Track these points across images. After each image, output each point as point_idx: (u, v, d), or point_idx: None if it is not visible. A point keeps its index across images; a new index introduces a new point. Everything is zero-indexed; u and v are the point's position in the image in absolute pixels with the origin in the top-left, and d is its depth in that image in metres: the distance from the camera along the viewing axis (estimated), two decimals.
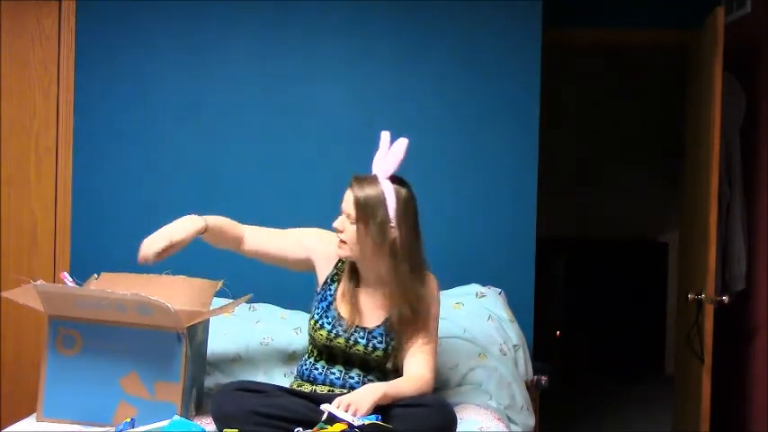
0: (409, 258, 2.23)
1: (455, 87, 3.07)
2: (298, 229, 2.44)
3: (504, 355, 2.66)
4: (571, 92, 5.69)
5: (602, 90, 5.94)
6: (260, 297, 2.74)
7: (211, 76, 3.09)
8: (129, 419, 2.08)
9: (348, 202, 2.22)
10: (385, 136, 2.27)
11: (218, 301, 2.49)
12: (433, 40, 3.07)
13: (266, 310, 2.85)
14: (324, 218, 2.98)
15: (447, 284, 2.90)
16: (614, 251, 5.88)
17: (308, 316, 2.81)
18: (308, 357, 2.34)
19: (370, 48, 3.08)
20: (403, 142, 2.24)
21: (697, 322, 3.11)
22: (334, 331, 2.26)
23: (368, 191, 2.19)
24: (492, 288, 2.91)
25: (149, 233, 3.04)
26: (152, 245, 2.19)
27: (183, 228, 2.24)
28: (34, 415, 2.24)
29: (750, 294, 3.42)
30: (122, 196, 3.09)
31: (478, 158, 3.09)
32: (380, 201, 2.19)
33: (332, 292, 2.33)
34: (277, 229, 2.43)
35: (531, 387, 2.75)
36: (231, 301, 2.48)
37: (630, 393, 5.29)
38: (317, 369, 2.29)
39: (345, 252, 2.24)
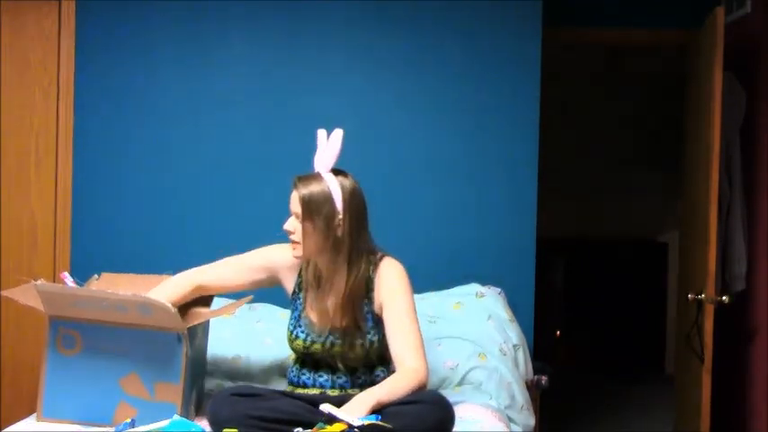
0: (357, 246, 2.23)
1: (455, 87, 3.08)
2: (254, 250, 2.42)
3: (504, 355, 2.66)
4: (571, 92, 5.69)
5: (602, 90, 5.94)
6: (260, 297, 2.74)
7: (212, 77, 3.09)
8: (129, 420, 2.08)
9: (294, 202, 2.21)
10: (321, 134, 2.27)
11: (219, 302, 2.48)
12: (433, 40, 3.07)
13: (266, 310, 2.85)
14: None
15: (447, 284, 2.91)
16: (614, 251, 5.89)
17: None
18: (294, 364, 2.34)
19: (370, 49, 3.08)
20: (338, 133, 2.25)
21: (697, 322, 3.11)
22: (309, 339, 2.26)
23: (312, 188, 2.20)
24: (492, 288, 2.91)
25: (149, 233, 3.08)
26: None
27: None
28: (34, 415, 2.24)
29: (750, 294, 3.42)
30: (122, 196, 3.09)
31: (479, 158, 3.09)
32: (326, 195, 2.20)
33: (300, 300, 2.33)
34: (233, 258, 2.41)
35: (531, 387, 2.75)
36: (232, 301, 2.48)
37: (630, 393, 5.28)
38: (304, 375, 2.29)
39: (299, 252, 2.23)
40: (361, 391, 2.16)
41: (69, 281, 2.39)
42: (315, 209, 2.18)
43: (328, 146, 2.25)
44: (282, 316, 2.82)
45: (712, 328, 3.04)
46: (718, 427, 3.34)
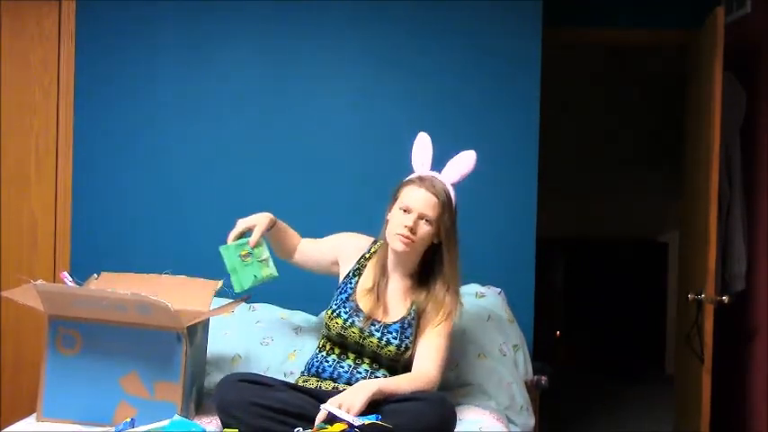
0: (455, 259, 2.33)
1: (455, 87, 3.07)
2: (329, 236, 2.53)
3: (504, 355, 2.66)
4: (571, 92, 5.70)
5: (602, 90, 5.94)
6: (260, 297, 2.74)
7: (212, 76, 3.09)
8: (129, 419, 2.08)
9: (425, 202, 2.27)
10: (424, 138, 2.43)
11: (218, 301, 2.48)
12: (433, 40, 3.07)
13: (266, 310, 2.85)
14: (323, 215, 2.99)
15: None
16: (614, 251, 5.89)
17: (308, 316, 2.83)
18: (320, 351, 2.36)
19: (370, 49, 3.08)
20: (472, 155, 2.39)
21: (697, 322, 3.11)
22: (350, 320, 2.30)
23: (447, 194, 2.31)
24: (492, 288, 2.91)
25: (149, 233, 3.08)
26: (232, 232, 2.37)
27: (256, 216, 2.41)
28: (34, 415, 2.24)
29: (750, 294, 3.42)
30: (122, 196, 3.09)
31: (478, 158, 3.07)
32: (452, 202, 2.32)
33: (352, 285, 2.38)
34: (316, 239, 2.54)
35: (531, 387, 2.75)
36: (231, 301, 2.48)
37: (630, 393, 5.29)
38: (327, 362, 2.31)
39: (408, 249, 2.28)
40: None
41: (69, 281, 2.39)
42: (446, 215, 2.28)
43: (460, 164, 2.38)
44: (282, 316, 2.82)
45: (712, 328, 3.05)
46: (719, 427, 3.34)
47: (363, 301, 2.34)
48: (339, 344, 2.33)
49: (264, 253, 2.36)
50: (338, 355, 2.31)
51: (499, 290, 2.93)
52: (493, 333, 2.69)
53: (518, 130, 3.07)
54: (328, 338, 2.36)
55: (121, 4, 3.08)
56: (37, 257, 3.14)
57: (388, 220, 2.34)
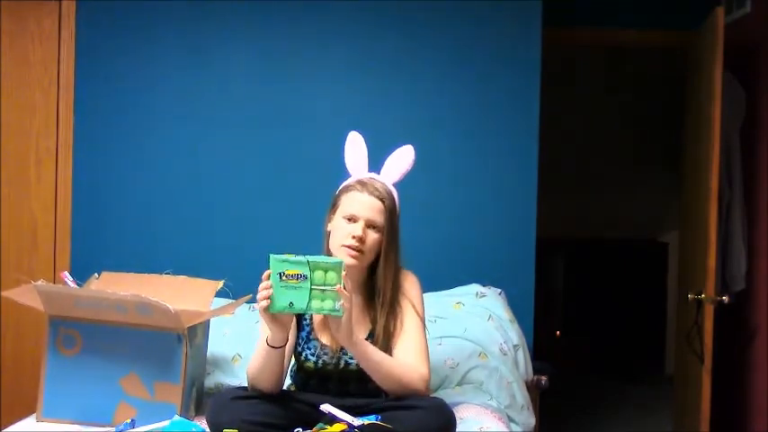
0: (398, 257, 2.19)
1: (455, 88, 3.07)
2: None
3: (505, 355, 2.66)
4: (571, 92, 5.69)
5: (602, 90, 5.94)
6: None
7: (212, 77, 3.09)
8: (129, 420, 2.08)
9: (370, 208, 2.10)
10: (356, 137, 2.28)
11: (219, 302, 2.49)
12: (433, 40, 3.07)
13: None
14: (321, 218, 2.98)
15: (447, 284, 2.91)
16: (614, 251, 5.89)
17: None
18: (298, 373, 2.21)
19: (370, 49, 3.08)
20: (410, 150, 2.25)
21: (697, 322, 3.12)
22: (320, 361, 2.15)
23: (392, 196, 2.16)
24: (492, 288, 2.91)
25: (149, 233, 3.08)
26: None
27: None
28: (34, 415, 2.24)
29: (750, 294, 3.42)
30: (122, 196, 3.09)
31: (478, 158, 3.09)
32: (397, 206, 2.19)
33: (308, 320, 2.20)
34: None
35: (531, 387, 2.75)
36: (231, 301, 2.48)
37: (630, 393, 5.29)
38: (308, 387, 2.18)
39: (359, 262, 2.11)
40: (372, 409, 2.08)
41: (69, 281, 2.39)
42: (392, 220, 2.13)
43: (400, 160, 2.23)
44: None
45: (712, 327, 3.05)
46: (718, 427, 3.34)
47: (325, 335, 2.15)
48: (317, 377, 2.16)
49: (331, 283, 1.90)
50: (316, 385, 2.15)
51: (499, 290, 2.93)
52: (493, 333, 2.70)
53: (518, 130, 3.07)
54: (305, 373, 2.17)
55: (121, 4, 3.08)
56: (37, 257, 3.14)
57: (329, 232, 2.16)
